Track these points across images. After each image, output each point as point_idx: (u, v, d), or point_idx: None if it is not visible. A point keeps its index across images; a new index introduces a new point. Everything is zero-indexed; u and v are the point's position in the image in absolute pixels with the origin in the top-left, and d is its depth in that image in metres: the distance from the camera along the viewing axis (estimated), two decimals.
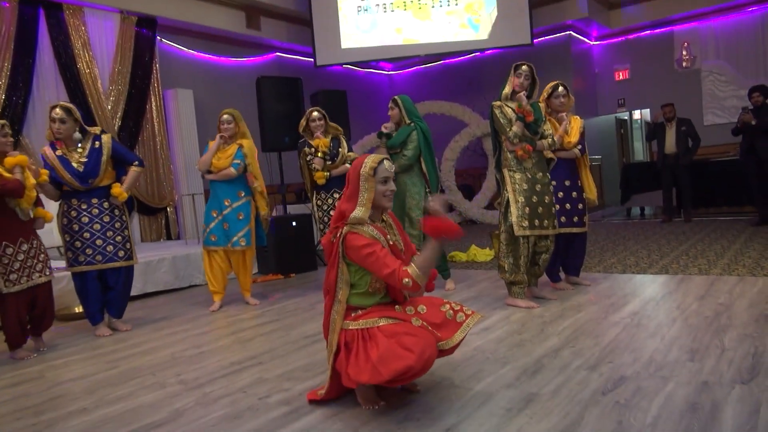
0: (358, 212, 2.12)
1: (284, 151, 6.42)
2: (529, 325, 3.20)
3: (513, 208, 3.58)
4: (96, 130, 3.85)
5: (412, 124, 4.37)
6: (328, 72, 10.07)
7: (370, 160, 2.17)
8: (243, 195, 4.43)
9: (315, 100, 6.87)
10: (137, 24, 7.26)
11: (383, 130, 4.41)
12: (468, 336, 3.06)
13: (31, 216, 3.49)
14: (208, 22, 8.06)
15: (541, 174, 3.68)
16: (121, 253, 3.84)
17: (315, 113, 4.74)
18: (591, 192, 4.11)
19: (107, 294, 3.89)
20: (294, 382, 2.58)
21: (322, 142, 4.66)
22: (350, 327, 2.15)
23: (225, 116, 4.38)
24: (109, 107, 6.99)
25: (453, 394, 2.27)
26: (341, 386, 2.23)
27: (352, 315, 2.18)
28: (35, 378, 3.00)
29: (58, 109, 3.65)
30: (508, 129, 3.61)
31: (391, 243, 2.17)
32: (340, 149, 4.77)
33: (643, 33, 10.15)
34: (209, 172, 4.41)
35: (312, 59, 9.14)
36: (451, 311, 2.18)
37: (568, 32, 9.84)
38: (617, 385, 2.22)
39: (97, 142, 3.76)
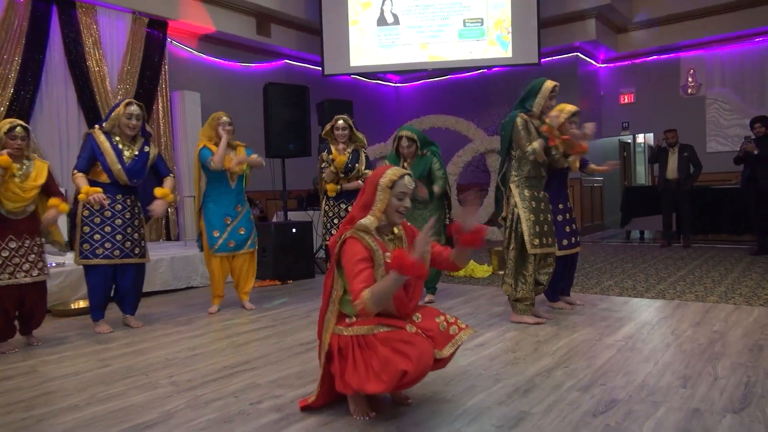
0: (367, 221, 2.13)
1: (288, 158, 6.44)
2: (523, 344, 3.20)
3: (525, 226, 3.56)
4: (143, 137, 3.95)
5: (427, 153, 4.34)
6: (335, 81, 10.13)
7: (390, 172, 2.15)
8: (246, 199, 4.56)
9: (321, 108, 6.92)
10: (148, 25, 7.33)
11: (419, 197, 4.18)
12: (462, 351, 3.07)
13: (28, 213, 3.49)
14: (218, 27, 8.13)
15: (542, 192, 3.70)
16: (137, 250, 3.90)
17: (341, 122, 4.74)
18: None
19: (121, 291, 3.93)
20: (286, 389, 2.58)
21: (339, 159, 4.68)
22: (344, 333, 2.15)
23: (226, 118, 4.34)
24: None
25: (445, 408, 2.27)
26: (332, 391, 2.23)
27: (346, 321, 2.18)
28: (27, 372, 3.00)
29: (135, 107, 3.78)
30: (527, 144, 3.57)
31: (387, 260, 2.11)
32: (357, 164, 4.77)
33: (649, 58, 10.22)
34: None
35: (320, 68, 9.21)
36: (445, 323, 2.19)
37: (575, 54, 9.91)
38: (609, 407, 2.22)
39: (146, 147, 3.90)
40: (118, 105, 3.81)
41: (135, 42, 7.21)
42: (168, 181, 4.03)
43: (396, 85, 12.05)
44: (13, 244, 3.41)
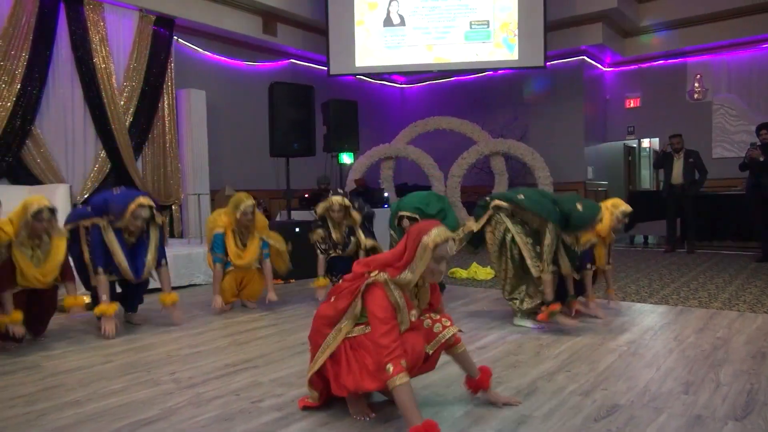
0: (406, 277, 2.03)
1: (292, 157, 6.45)
2: (525, 347, 3.20)
3: (525, 251, 3.51)
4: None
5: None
6: (341, 81, 10.14)
7: (435, 233, 2.02)
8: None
9: (326, 108, 6.92)
10: (155, 23, 7.35)
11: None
12: None
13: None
14: (225, 25, 8.15)
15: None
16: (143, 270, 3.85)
17: (337, 205, 4.46)
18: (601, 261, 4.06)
19: (128, 294, 3.96)
20: (287, 387, 2.58)
21: (320, 282, 4.63)
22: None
23: (249, 203, 4.22)
24: (122, 103, 7.05)
25: (446, 411, 2.27)
26: (328, 392, 2.23)
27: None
28: (30, 367, 3.01)
29: (146, 210, 3.65)
30: (546, 257, 3.43)
31: (412, 318, 2.11)
32: (352, 238, 4.59)
33: (656, 63, 10.20)
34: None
35: (326, 68, 9.22)
36: (429, 321, 2.20)
37: (581, 57, 9.90)
38: (610, 412, 2.22)
39: (144, 235, 3.79)
40: (127, 205, 3.61)
41: (141, 39, 7.23)
42: (164, 274, 3.91)
43: (401, 86, 12.06)
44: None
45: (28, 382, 2.75)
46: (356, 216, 4.56)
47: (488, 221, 3.71)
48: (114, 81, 6.95)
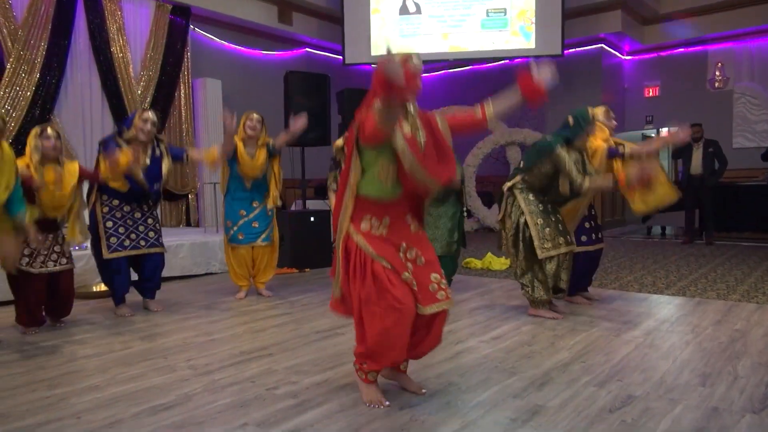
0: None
1: (307, 147, 6.45)
2: (540, 338, 3.19)
3: (533, 231, 3.52)
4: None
5: None
6: (356, 70, 10.10)
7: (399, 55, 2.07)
8: (267, 196, 4.51)
9: (341, 97, 6.90)
10: (172, 12, 7.38)
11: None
12: (477, 343, 3.08)
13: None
14: (240, 14, 8.15)
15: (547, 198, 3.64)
16: (159, 240, 4.02)
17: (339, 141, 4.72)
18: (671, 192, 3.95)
19: (143, 278, 4.03)
20: (302, 375, 2.60)
21: None
22: (353, 237, 2.14)
23: (255, 115, 4.35)
24: (139, 92, 7.11)
25: (459, 400, 2.27)
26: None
27: (361, 227, 2.14)
28: (51, 352, 3.07)
29: (150, 113, 3.81)
30: (576, 175, 3.39)
31: (406, 133, 2.06)
32: None
33: (676, 50, 10.02)
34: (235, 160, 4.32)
35: (341, 57, 9.19)
36: (436, 285, 2.18)
37: (600, 45, 9.75)
38: (625, 403, 2.21)
39: (156, 151, 3.91)
40: (134, 114, 3.84)
41: (158, 29, 7.26)
42: (193, 154, 4.26)
43: None
44: (40, 236, 3.40)
45: (49, 367, 2.80)
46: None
47: (507, 208, 3.70)
48: (131, 70, 7.00)
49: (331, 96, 6.53)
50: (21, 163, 3.27)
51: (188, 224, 7.69)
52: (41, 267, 3.44)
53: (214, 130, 7.80)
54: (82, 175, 3.62)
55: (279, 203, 4.55)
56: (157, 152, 3.92)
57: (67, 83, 6.53)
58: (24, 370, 2.78)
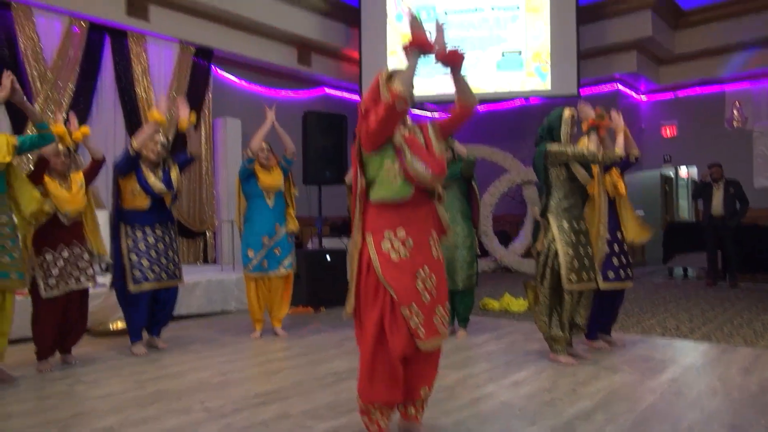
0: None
1: (325, 185, 6.50)
2: (560, 383, 3.10)
3: (562, 260, 3.44)
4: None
5: (459, 160, 4.44)
6: None
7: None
8: (288, 219, 4.57)
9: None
10: (195, 54, 7.59)
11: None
12: (496, 388, 3.00)
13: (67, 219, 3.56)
14: (261, 56, 8.36)
15: (582, 222, 3.59)
16: (177, 272, 4.06)
17: None
18: (642, 231, 3.91)
19: (155, 313, 4.03)
20: (317, 420, 2.54)
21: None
22: (370, 253, 2.14)
23: (264, 144, 4.53)
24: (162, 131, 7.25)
25: None
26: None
27: (382, 246, 2.13)
28: (64, 392, 3.05)
29: (161, 136, 3.98)
30: (584, 151, 3.44)
31: (405, 134, 2.18)
32: None
33: (693, 90, 10.03)
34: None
35: (358, 96, 9.34)
36: (439, 318, 2.18)
37: (615, 85, 9.81)
38: None
39: (166, 167, 4.05)
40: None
41: (181, 70, 7.46)
42: (192, 142, 4.23)
43: (433, 114, 12.11)
44: (65, 253, 3.53)
45: (61, 407, 2.78)
46: None
47: (541, 235, 3.63)
48: None
49: (348, 135, 6.61)
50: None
51: (205, 261, 7.73)
52: (64, 287, 3.48)
53: (234, 168, 7.89)
54: (88, 173, 3.75)
55: (297, 228, 4.59)
56: (166, 167, 4.02)
57: (93, 122, 6.69)
58: (36, 410, 2.76)
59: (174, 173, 4.01)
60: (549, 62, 8.98)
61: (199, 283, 5.47)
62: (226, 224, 7.36)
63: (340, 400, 2.84)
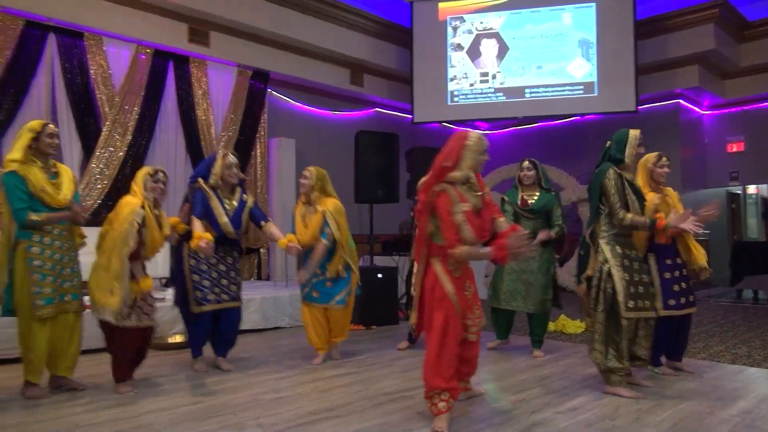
0: (457, 175, 2.76)
1: (376, 203, 6.54)
2: (622, 411, 2.96)
3: (619, 285, 3.22)
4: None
5: (553, 192, 4.41)
6: (424, 129, 10.27)
7: (474, 135, 2.83)
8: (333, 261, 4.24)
9: (410, 156, 7.00)
10: (252, 77, 7.84)
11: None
12: (554, 414, 2.90)
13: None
14: (315, 78, 8.55)
15: (635, 251, 3.40)
16: (239, 294, 4.02)
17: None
18: (700, 257, 3.72)
19: (220, 333, 3.98)
20: None
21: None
22: (433, 266, 2.81)
23: (305, 171, 4.25)
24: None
25: None
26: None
27: (448, 265, 2.78)
28: (124, 404, 3.14)
29: (232, 157, 3.94)
30: (618, 209, 3.29)
31: (465, 209, 2.70)
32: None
33: (761, 104, 9.55)
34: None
35: (409, 115, 9.39)
36: (474, 318, 2.93)
37: (676, 100, 9.47)
38: None
39: (244, 196, 4.01)
40: (213, 158, 3.92)
41: (239, 92, 7.72)
42: (271, 227, 4.06)
43: (485, 132, 12.03)
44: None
45: (122, 419, 2.87)
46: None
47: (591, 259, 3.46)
48: (213, 131, 7.43)
49: (399, 154, 6.64)
50: (133, 199, 3.39)
51: (259, 278, 7.88)
52: (138, 321, 3.38)
53: (288, 187, 8.07)
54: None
55: (343, 273, 4.21)
56: (244, 197, 4.00)
57: (156, 144, 7.00)
58: (99, 420, 2.85)
59: (245, 216, 3.97)
60: (606, 78, 8.77)
61: (253, 299, 5.57)
62: None
63: (392, 421, 2.81)
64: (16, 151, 3.24)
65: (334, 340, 4.33)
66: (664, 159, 3.77)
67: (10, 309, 3.22)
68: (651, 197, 3.63)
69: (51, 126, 3.36)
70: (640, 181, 3.70)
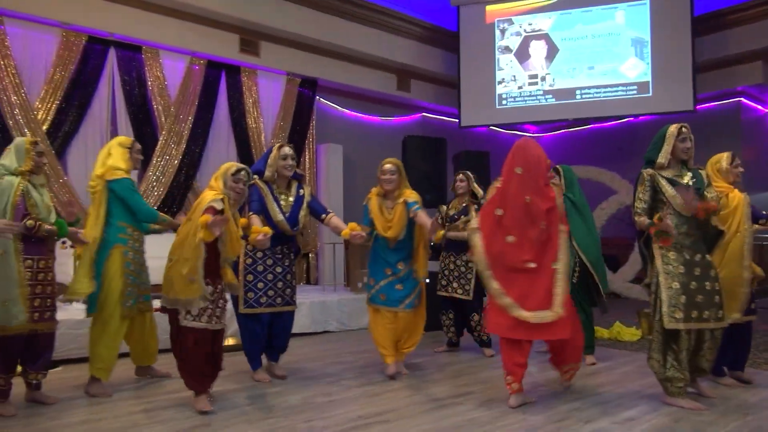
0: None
1: (425, 208, 6.52)
2: (683, 423, 2.84)
3: (664, 295, 3.08)
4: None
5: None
6: (471, 133, 10.19)
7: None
8: (414, 260, 4.05)
9: (457, 160, 6.97)
10: (300, 85, 7.99)
11: None
12: (611, 425, 2.82)
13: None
14: (362, 84, 8.63)
15: (700, 256, 3.18)
16: (294, 298, 3.86)
17: (460, 175, 4.87)
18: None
19: (272, 338, 3.84)
20: None
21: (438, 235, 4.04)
22: None
23: (387, 165, 4.02)
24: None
25: None
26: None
27: None
28: (180, 405, 3.21)
29: (287, 148, 3.78)
30: (635, 212, 3.29)
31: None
32: (464, 216, 4.66)
33: None
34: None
35: (456, 120, 9.34)
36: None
37: (738, 99, 9.05)
38: None
39: (300, 190, 3.87)
40: (269, 152, 3.80)
41: (288, 100, 7.87)
42: (334, 219, 3.85)
43: (534, 135, 11.82)
44: (219, 287, 3.21)
45: (179, 418, 2.96)
46: (479, 191, 4.76)
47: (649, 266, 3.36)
48: (263, 138, 7.60)
49: (448, 158, 6.62)
50: (212, 192, 3.16)
51: (308, 282, 7.99)
52: (208, 322, 3.09)
53: (336, 192, 8.16)
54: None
55: (426, 275, 4.07)
56: (301, 192, 3.86)
57: (209, 152, 7.21)
58: (159, 419, 2.95)
59: (303, 210, 3.80)
60: (661, 78, 8.48)
61: (303, 303, 5.64)
62: (328, 246, 7.58)
63: (441, 427, 2.79)
64: (119, 161, 3.52)
65: (404, 350, 4.03)
66: (738, 159, 3.65)
67: (94, 310, 3.44)
68: (739, 196, 3.50)
69: (137, 143, 3.72)
70: (720, 182, 3.56)
